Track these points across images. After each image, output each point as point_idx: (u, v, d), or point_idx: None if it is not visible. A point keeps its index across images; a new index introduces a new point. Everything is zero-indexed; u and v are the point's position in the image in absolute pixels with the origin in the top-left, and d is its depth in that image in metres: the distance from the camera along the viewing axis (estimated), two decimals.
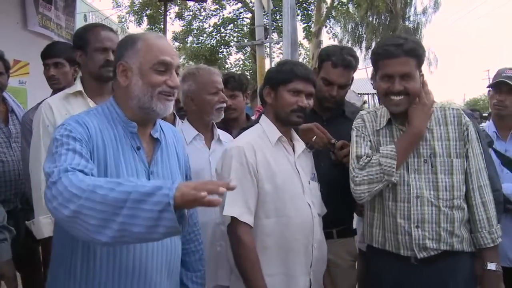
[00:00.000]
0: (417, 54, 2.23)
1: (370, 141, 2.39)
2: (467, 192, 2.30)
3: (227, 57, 23.72)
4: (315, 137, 2.47)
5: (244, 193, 2.15)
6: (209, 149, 2.67)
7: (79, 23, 7.31)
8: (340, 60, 2.64)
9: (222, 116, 2.74)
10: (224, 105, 2.71)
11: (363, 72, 29.76)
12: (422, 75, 2.29)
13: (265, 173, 2.20)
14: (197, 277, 2.14)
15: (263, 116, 2.42)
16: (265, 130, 2.33)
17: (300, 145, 2.40)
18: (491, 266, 2.27)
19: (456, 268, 2.27)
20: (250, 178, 2.18)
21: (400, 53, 2.20)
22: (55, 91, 2.98)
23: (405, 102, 2.25)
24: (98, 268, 1.69)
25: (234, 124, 3.26)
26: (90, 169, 1.58)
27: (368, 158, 2.30)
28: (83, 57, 2.52)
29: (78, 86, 2.51)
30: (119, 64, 1.82)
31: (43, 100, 2.66)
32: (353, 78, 2.79)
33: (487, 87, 3.48)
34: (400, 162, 2.24)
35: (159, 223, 1.36)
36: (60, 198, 1.44)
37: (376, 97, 19.50)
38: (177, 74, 1.84)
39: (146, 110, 1.81)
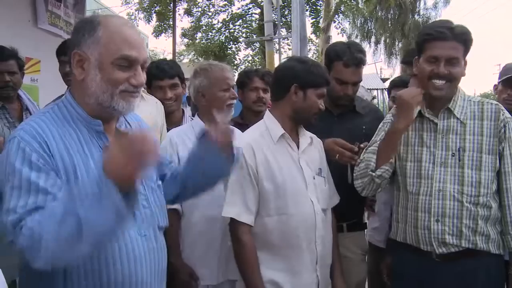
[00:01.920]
0: (465, 39, 2.17)
1: None
2: (500, 192, 2.22)
3: (236, 53, 23.73)
4: (338, 155, 2.46)
5: (243, 193, 2.21)
6: None
7: None
8: (351, 59, 2.63)
9: (232, 112, 2.74)
10: (235, 101, 2.72)
11: (372, 67, 29.66)
12: (466, 63, 2.23)
13: (265, 172, 2.23)
14: None
15: (267, 113, 2.42)
16: (268, 127, 2.33)
17: (305, 140, 2.39)
18: None
19: (480, 269, 2.18)
20: (249, 178, 2.21)
21: (450, 36, 2.14)
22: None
23: (447, 88, 2.18)
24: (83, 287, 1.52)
25: (255, 119, 3.23)
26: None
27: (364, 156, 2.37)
28: None
29: None
30: (74, 53, 1.55)
31: (59, 96, 2.69)
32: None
33: (498, 82, 3.45)
34: (381, 157, 2.28)
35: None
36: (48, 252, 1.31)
37: (385, 92, 19.42)
38: (143, 69, 1.60)
39: (106, 109, 1.58)
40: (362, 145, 2.47)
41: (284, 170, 2.25)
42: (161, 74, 3.13)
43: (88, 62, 1.54)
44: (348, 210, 2.72)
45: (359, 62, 2.67)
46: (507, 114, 2.22)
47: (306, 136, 2.41)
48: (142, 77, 1.59)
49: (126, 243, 1.59)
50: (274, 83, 2.44)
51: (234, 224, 2.21)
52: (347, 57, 2.63)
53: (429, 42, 2.19)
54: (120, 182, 1.27)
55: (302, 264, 2.25)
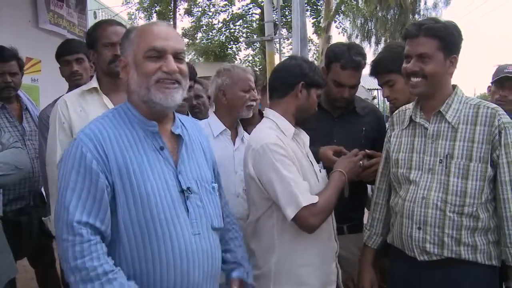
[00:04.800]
0: (438, 35, 2.07)
1: (388, 148, 2.41)
2: (497, 202, 2.09)
3: (236, 53, 23.80)
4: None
5: (299, 178, 2.11)
6: (234, 145, 2.69)
7: (89, 20, 7.34)
8: (349, 62, 2.60)
9: (251, 114, 2.75)
10: (254, 103, 2.74)
11: None
12: (453, 60, 2.13)
13: (297, 167, 2.17)
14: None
15: (270, 111, 2.33)
16: (279, 125, 2.26)
17: (306, 136, 2.40)
18: None
19: (465, 278, 2.10)
20: (295, 166, 2.13)
21: (418, 33, 2.09)
22: (75, 87, 2.98)
23: (422, 85, 2.12)
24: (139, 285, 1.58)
25: (252, 120, 3.22)
26: (101, 221, 1.55)
27: None
28: (95, 55, 2.54)
29: (93, 83, 2.52)
30: (119, 60, 1.76)
31: (60, 97, 2.69)
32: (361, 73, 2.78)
33: (491, 82, 3.47)
34: None
35: None
36: (80, 274, 1.49)
37: None
38: (180, 59, 1.71)
39: (148, 104, 1.68)
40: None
41: (306, 167, 2.24)
42: None
43: (128, 65, 1.70)
44: (349, 212, 2.71)
45: (357, 65, 2.63)
46: (505, 119, 2.08)
47: (304, 133, 2.40)
48: (174, 64, 1.67)
49: (179, 241, 1.62)
50: (278, 80, 2.33)
51: (302, 213, 2.05)
52: (345, 60, 2.60)
53: (405, 42, 2.18)
54: None
55: (330, 254, 2.30)
